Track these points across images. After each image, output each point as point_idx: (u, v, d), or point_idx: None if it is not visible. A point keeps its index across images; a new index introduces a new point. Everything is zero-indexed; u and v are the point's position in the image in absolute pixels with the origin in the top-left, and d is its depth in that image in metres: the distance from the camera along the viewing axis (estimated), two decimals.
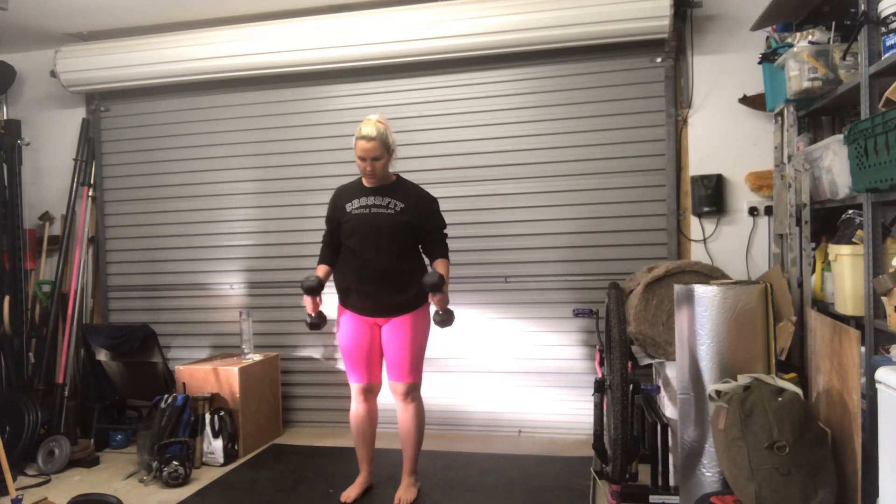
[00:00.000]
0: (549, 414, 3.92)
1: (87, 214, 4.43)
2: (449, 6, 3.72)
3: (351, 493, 3.07)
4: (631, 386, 2.53)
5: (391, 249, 2.90)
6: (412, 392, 3.01)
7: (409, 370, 2.97)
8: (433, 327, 3.00)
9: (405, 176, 3.09)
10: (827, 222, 2.90)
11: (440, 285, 2.84)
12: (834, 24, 2.77)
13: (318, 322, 2.97)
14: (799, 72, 2.77)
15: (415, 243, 2.99)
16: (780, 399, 2.20)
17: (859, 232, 2.47)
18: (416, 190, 3.05)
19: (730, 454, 2.20)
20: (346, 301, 3.03)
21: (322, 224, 3.11)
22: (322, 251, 3.09)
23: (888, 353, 2.16)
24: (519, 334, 3.96)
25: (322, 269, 3.03)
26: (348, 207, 2.97)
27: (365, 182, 2.99)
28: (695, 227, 3.74)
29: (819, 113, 3.12)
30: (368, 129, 2.84)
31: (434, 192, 3.10)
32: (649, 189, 3.77)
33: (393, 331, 2.97)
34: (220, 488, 3.30)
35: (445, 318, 2.90)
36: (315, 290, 2.91)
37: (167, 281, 4.46)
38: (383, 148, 2.86)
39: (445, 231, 3.05)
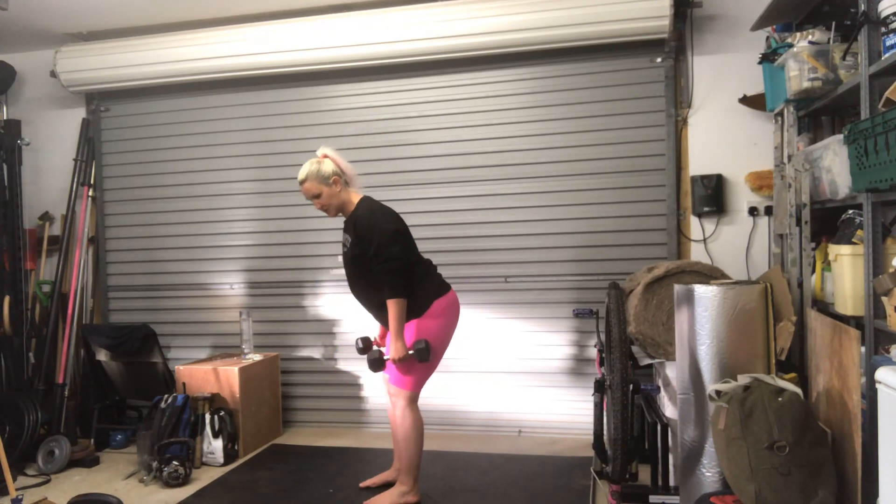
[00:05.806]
0: (549, 414, 3.92)
1: (87, 214, 4.43)
2: (449, 6, 3.72)
3: (370, 481, 3.17)
4: (631, 386, 2.53)
5: (360, 286, 2.95)
6: (397, 397, 2.96)
7: (395, 371, 2.94)
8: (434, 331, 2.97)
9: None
10: (827, 222, 2.90)
11: (377, 367, 2.88)
12: (834, 24, 2.77)
13: (363, 348, 3.06)
14: (799, 72, 2.77)
15: None
16: (780, 399, 2.20)
17: (859, 232, 2.47)
18: (356, 214, 2.88)
19: (730, 454, 2.20)
20: None
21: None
22: None
23: (888, 353, 2.16)
24: (519, 334, 3.95)
25: None
26: None
27: None
28: (695, 227, 3.74)
29: (819, 113, 3.13)
30: (299, 173, 2.89)
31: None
32: (649, 189, 3.77)
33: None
34: (220, 488, 3.30)
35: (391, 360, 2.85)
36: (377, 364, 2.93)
37: (167, 281, 4.46)
38: (317, 183, 2.87)
39: (391, 261, 2.76)
